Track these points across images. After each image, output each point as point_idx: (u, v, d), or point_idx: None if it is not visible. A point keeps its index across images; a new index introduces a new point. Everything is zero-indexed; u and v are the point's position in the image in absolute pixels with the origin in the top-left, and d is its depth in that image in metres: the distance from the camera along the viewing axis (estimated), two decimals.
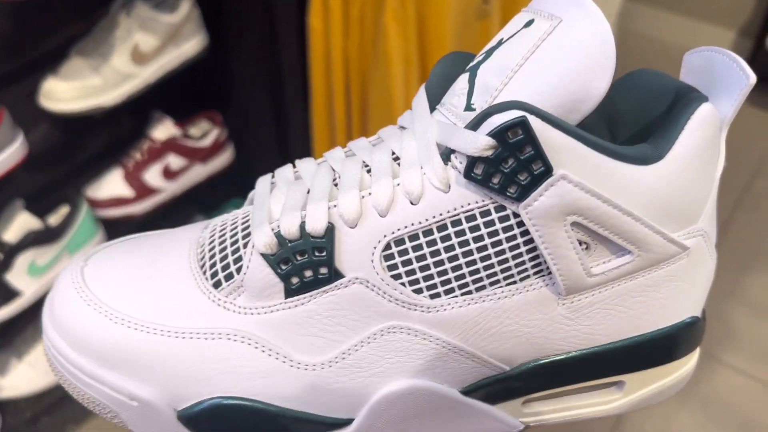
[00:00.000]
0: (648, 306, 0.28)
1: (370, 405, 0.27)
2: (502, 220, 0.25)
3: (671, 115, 0.26)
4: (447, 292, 0.26)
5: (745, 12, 1.66)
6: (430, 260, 0.26)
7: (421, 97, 0.28)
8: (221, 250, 0.28)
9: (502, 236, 0.25)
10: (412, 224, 0.25)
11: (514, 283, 0.26)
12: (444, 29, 0.93)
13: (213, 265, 0.28)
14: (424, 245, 0.26)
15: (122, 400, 0.27)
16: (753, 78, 0.26)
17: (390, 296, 0.26)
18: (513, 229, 0.25)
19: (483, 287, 0.26)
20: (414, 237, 0.26)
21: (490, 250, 0.25)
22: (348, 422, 0.27)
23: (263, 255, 0.26)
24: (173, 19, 0.93)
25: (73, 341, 0.28)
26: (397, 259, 0.26)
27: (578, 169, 0.24)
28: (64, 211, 0.94)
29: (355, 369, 0.27)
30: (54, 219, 0.94)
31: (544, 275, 0.26)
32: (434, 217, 0.25)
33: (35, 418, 1.02)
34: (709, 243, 0.28)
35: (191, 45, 0.97)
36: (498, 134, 0.23)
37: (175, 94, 1.03)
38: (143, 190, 0.99)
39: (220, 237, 0.29)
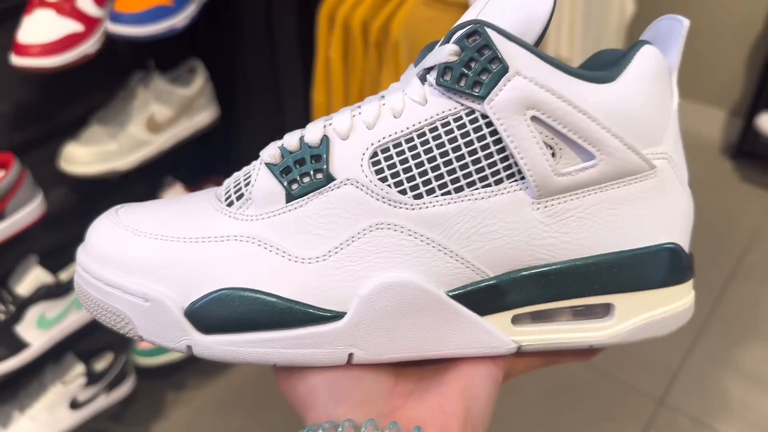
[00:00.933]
0: (623, 221, 0.30)
1: (360, 296, 0.29)
2: (472, 122, 0.29)
3: (623, 54, 0.31)
4: (428, 192, 0.29)
5: (735, 92, 1.73)
6: (411, 163, 0.29)
7: (408, 69, 0.33)
8: (235, 181, 0.32)
9: (473, 136, 0.29)
10: (395, 133, 0.30)
11: (489, 186, 0.29)
12: None
13: (227, 193, 0.32)
14: (406, 150, 0.29)
15: (136, 303, 0.30)
16: (686, 21, 0.31)
17: (377, 195, 0.29)
18: (482, 130, 0.29)
19: (461, 188, 0.29)
20: (397, 145, 0.29)
21: (464, 150, 0.29)
22: (341, 315, 0.30)
23: (268, 165, 0.31)
24: (188, 92, 1.00)
25: (100, 258, 0.31)
26: (383, 164, 0.29)
27: (533, 73, 0.28)
28: (74, 267, 0.98)
29: (347, 263, 0.30)
30: (65, 275, 0.99)
31: (516, 179, 0.29)
32: (414, 125, 0.29)
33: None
34: (678, 171, 0.32)
35: (203, 116, 1.04)
36: (459, 41, 0.29)
37: (186, 161, 1.09)
38: None
39: (236, 176, 0.33)
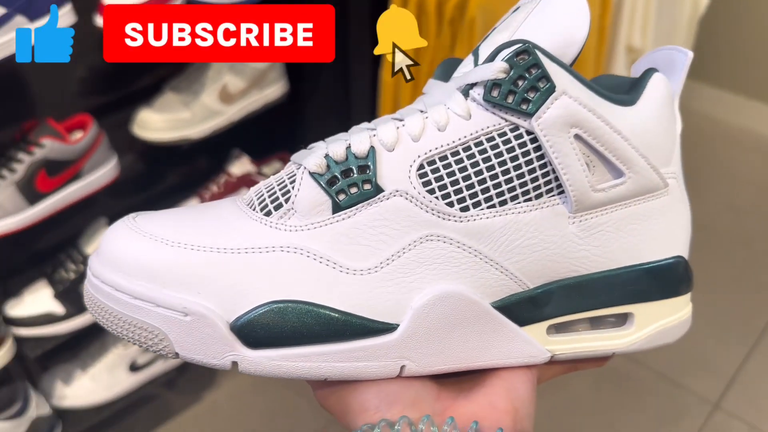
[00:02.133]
0: (643, 235, 0.33)
1: (414, 308, 0.30)
2: (517, 138, 0.30)
3: (635, 81, 0.33)
4: (474, 204, 0.30)
5: None
6: (458, 176, 0.30)
7: (430, 82, 0.35)
8: (269, 191, 0.32)
9: (518, 152, 0.30)
10: (441, 146, 0.30)
11: (530, 200, 0.31)
12: None
13: (261, 201, 0.31)
14: (453, 164, 0.30)
15: (174, 317, 0.29)
16: (690, 54, 0.33)
17: (426, 206, 0.30)
18: (526, 145, 0.30)
19: (505, 201, 0.30)
20: (443, 158, 0.30)
21: (509, 165, 0.30)
22: (394, 327, 0.30)
23: (313, 175, 0.30)
24: (260, 64, 1.01)
25: (126, 270, 0.29)
26: (430, 176, 0.30)
27: (577, 93, 0.30)
28: None
29: (398, 274, 0.30)
30: None
31: (554, 194, 0.31)
32: (459, 139, 0.30)
33: (91, 430, 1.05)
34: (683, 189, 0.34)
35: (273, 90, 1.05)
36: (509, 59, 0.30)
37: (252, 135, 1.10)
38: None
39: (266, 186, 0.32)
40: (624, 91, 0.33)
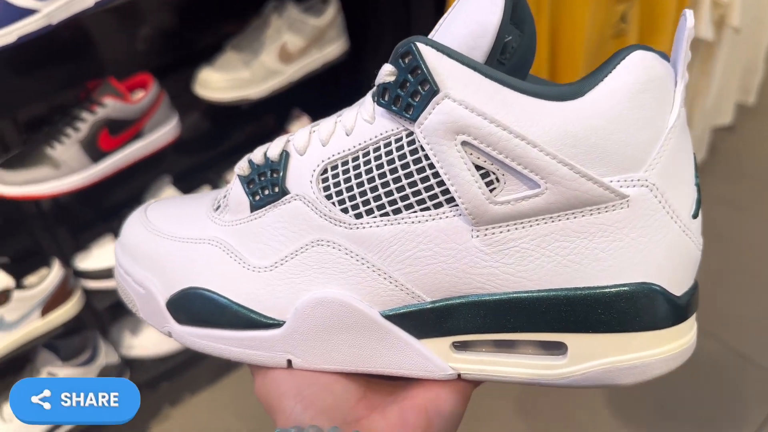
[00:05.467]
0: (578, 255, 0.28)
1: (296, 308, 0.31)
2: (410, 144, 0.28)
3: (604, 63, 0.28)
4: (368, 212, 0.30)
5: None
6: (354, 182, 0.30)
7: None
8: (226, 189, 0.35)
9: (409, 159, 0.28)
10: (344, 151, 0.30)
11: (428, 209, 0.29)
12: (577, 46, 0.93)
13: (218, 198, 0.36)
14: (351, 169, 0.30)
15: (138, 289, 0.35)
16: (689, 15, 0.27)
17: (321, 212, 0.30)
18: (418, 152, 0.28)
19: (398, 210, 0.29)
20: (345, 162, 0.30)
21: (401, 173, 0.29)
22: (281, 323, 0.32)
23: (239, 176, 0.33)
24: (319, 22, 0.99)
25: (125, 250, 0.37)
26: (330, 181, 0.30)
27: (471, 94, 0.27)
28: (206, 189, 1.01)
29: (289, 275, 0.31)
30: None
31: (456, 204, 0.28)
32: (360, 144, 0.30)
33: (156, 380, 1.09)
34: (668, 201, 0.28)
35: (333, 48, 1.03)
36: (395, 60, 0.28)
37: (313, 94, 1.09)
38: None
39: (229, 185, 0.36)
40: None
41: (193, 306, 0.33)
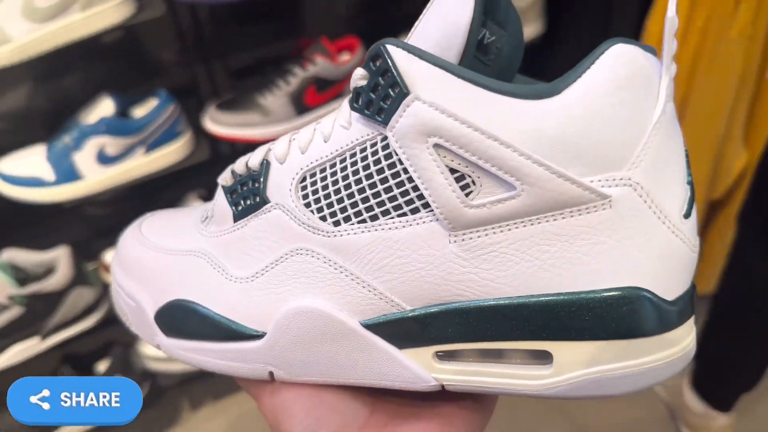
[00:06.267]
0: (560, 260, 0.27)
1: (277, 319, 0.31)
2: (384, 149, 0.28)
3: (586, 59, 0.26)
4: (345, 219, 0.29)
5: None
6: (331, 189, 0.29)
7: None
8: (214, 201, 0.35)
9: (383, 164, 0.28)
10: (322, 158, 0.30)
11: (405, 215, 0.28)
12: None
13: (207, 210, 0.35)
14: (328, 176, 0.30)
15: (129, 302, 0.35)
16: (672, 7, 0.25)
17: (300, 220, 0.30)
18: (392, 157, 0.28)
19: (375, 216, 0.29)
20: (323, 170, 0.30)
21: (376, 178, 0.28)
22: (262, 335, 0.31)
23: (223, 187, 0.33)
24: (521, 2, 0.99)
25: (119, 263, 0.37)
26: (309, 189, 0.30)
27: (442, 95, 0.26)
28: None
29: (269, 285, 0.31)
30: None
31: (433, 209, 0.27)
32: (337, 150, 0.29)
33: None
34: (655, 201, 0.26)
35: (531, 29, 1.03)
36: (366, 64, 0.28)
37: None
38: None
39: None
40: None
41: (179, 318, 0.33)
